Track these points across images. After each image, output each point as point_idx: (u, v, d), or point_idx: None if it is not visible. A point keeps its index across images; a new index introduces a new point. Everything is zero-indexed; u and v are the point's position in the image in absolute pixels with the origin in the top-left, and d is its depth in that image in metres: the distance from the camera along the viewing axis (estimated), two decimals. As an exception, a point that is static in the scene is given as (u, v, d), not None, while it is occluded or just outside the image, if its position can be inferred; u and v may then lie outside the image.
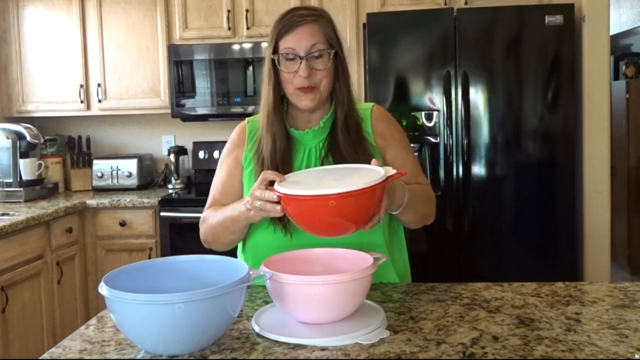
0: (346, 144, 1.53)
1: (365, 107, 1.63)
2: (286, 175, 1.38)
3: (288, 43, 1.49)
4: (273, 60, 1.51)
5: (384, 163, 1.57)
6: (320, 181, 1.34)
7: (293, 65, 1.49)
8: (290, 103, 1.57)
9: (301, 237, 1.47)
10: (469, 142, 3.08)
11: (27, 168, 3.50)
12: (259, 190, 1.35)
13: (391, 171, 1.30)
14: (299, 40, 1.48)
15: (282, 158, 1.52)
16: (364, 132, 1.58)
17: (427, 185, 1.63)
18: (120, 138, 4.14)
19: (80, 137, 4.04)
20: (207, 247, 1.64)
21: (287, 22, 1.50)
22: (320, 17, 1.52)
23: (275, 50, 1.51)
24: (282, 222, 1.48)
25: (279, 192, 1.29)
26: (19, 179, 3.48)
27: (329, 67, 1.51)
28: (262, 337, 1.18)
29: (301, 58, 1.48)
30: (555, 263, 3.09)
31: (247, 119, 1.68)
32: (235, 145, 1.64)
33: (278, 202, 1.30)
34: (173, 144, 4.02)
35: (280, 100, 1.56)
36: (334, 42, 1.52)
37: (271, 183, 1.36)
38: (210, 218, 1.59)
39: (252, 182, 1.55)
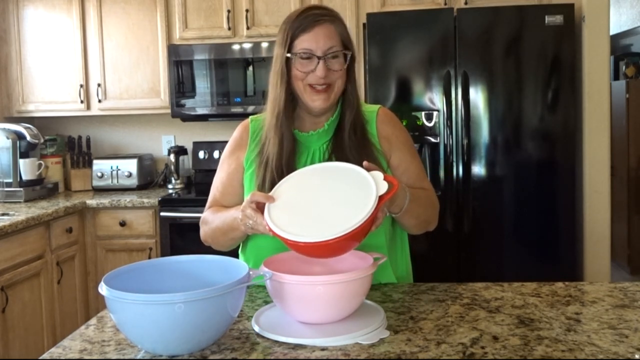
0: (351, 146, 1.51)
1: (371, 110, 1.61)
2: (274, 192, 1.34)
3: (305, 43, 1.47)
4: (286, 59, 1.49)
5: (388, 166, 1.55)
6: (313, 200, 1.30)
7: (309, 64, 1.47)
8: (298, 104, 1.54)
9: None
10: (469, 142, 3.08)
11: (27, 168, 3.50)
12: (249, 209, 1.34)
13: (382, 186, 1.26)
14: (317, 41, 1.46)
15: (287, 161, 1.49)
16: (369, 135, 1.56)
17: (431, 191, 1.61)
18: (120, 138, 4.14)
19: (80, 137, 4.04)
20: (208, 246, 1.65)
21: (304, 22, 1.48)
22: (336, 18, 1.51)
23: (289, 49, 1.48)
24: None
25: (270, 228, 1.27)
26: (19, 179, 3.48)
27: (344, 68, 1.50)
28: (262, 337, 1.18)
29: (319, 58, 1.46)
30: (555, 263, 3.09)
31: (250, 117, 1.65)
32: (237, 146, 1.62)
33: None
34: (173, 144, 4.02)
35: (291, 100, 1.53)
36: (348, 43, 1.51)
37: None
38: (209, 221, 1.59)
39: (252, 184, 1.54)
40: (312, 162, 1.54)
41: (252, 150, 1.59)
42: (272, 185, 1.43)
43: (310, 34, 1.47)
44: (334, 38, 1.48)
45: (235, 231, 1.49)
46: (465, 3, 3.36)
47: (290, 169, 1.47)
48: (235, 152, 1.62)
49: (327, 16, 1.49)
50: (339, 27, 1.50)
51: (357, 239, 1.23)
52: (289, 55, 1.48)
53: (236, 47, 3.57)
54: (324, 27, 1.47)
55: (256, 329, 1.21)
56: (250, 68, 3.57)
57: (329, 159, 1.52)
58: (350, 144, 1.51)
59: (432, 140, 3.11)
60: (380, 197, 1.24)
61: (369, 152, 1.51)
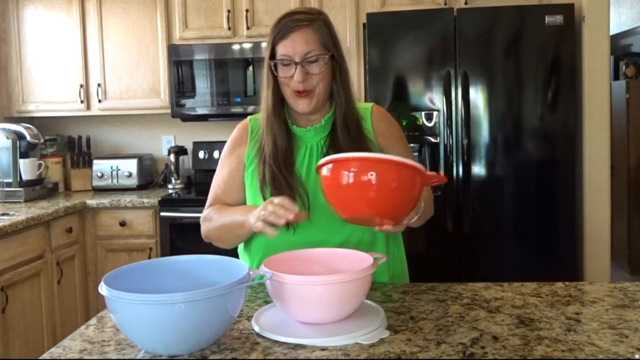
0: (347, 142, 1.53)
1: (365, 107, 1.64)
2: None
3: (283, 49, 1.50)
4: (270, 65, 1.53)
5: None
6: None
7: (289, 70, 1.51)
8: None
9: (303, 233, 1.48)
10: (469, 142, 3.08)
11: (27, 168, 3.50)
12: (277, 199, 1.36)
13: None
14: (293, 47, 1.49)
15: (283, 158, 1.53)
16: (365, 130, 1.58)
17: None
18: (120, 138, 4.14)
19: (80, 137, 4.04)
20: (207, 242, 1.65)
21: (282, 28, 1.51)
22: (315, 20, 1.52)
23: (272, 56, 1.53)
24: None
25: (326, 160, 1.31)
26: (19, 179, 3.48)
27: (325, 71, 1.52)
28: (262, 337, 1.18)
29: (296, 64, 1.49)
30: (555, 263, 3.09)
31: (249, 117, 1.68)
32: (237, 144, 1.64)
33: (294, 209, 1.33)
34: (173, 144, 4.02)
35: (280, 101, 1.57)
36: (329, 45, 1.52)
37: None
38: (215, 218, 1.59)
39: (254, 181, 1.56)
40: (310, 157, 1.56)
41: (252, 147, 1.61)
42: (273, 181, 1.49)
43: (287, 40, 1.50)
44: (311, 43, 1.49)
45: (242, 229, 1.50)
46: (465, 3, 3.35)
47: (288, 165, 1.52)
48: (236, 150, 1.64)
49: (305, 20, 1.51)
50: (317, 29, 1.51)
51: (407, 187, 1.27)
52: (271, 61, 1.52)
53: (236, 47, 3.57)
54: (300, 33, 1.49)
55: (256, 329, 1.21)
56: (250, 68, 3.57)
57: (327, 154, 1.53)
58: (345, 140, 1.54)
59: (432, 140, 3.11)
60: (428, 176, 1.31)
61: (366, 147, 1.53)
